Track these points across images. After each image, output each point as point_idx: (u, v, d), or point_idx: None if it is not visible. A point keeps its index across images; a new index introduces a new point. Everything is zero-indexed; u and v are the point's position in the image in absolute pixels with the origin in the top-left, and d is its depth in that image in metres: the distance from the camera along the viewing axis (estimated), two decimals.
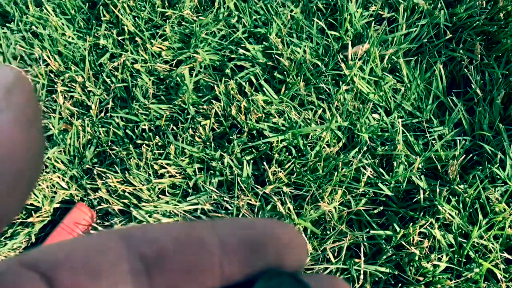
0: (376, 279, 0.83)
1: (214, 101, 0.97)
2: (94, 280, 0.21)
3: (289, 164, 0.91)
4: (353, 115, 0.96)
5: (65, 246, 0.21)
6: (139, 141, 0.97)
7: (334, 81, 1.00)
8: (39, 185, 0.94)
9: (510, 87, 0.96)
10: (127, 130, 0.99)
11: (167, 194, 0.93)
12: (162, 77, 1.03)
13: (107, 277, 0.21)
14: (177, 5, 1.09)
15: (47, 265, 0.20)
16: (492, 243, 0.83)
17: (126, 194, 0.92)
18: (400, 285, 0.83)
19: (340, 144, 0.94)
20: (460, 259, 0.83)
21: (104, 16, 1.09)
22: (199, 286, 0.22)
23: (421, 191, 0.87)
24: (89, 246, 0.21)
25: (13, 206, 0.17)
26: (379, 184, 0.89)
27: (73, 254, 0.21)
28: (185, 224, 0.23)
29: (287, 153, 0.94)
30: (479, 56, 1.00)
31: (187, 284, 0.22)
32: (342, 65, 0.98)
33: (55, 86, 1.03)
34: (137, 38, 1.06)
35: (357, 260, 0.84)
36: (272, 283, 0.23)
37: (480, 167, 0.90)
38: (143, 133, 0.98)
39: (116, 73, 1.03)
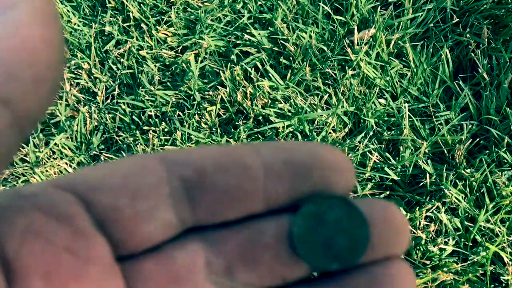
0: None
1: (219, 87, 0.97)
2: (133, 202, 0.20)
3: None
4: (359, 100, 0.95)
5: (102, 168, 0.20)
6: (145, 127, 0.97)
7: (340, 66, 0.99)
8: (46, 171, 0.94)
9: None
10: (133, 117, 0.99)
11: None
12: (167, 63, 1.03)
13: (146, 200, 0.20)
14: None
15: (84, 186, 0.19)
16: (499, 227, 0.83)
17: None
18: None
19: (346, 130, 0.94)
20: (467, 243, 0.84)
21: (110, 2, 1.09)
22: (241, 210, 0.22)
23: (428, 175, 0.87)
24: (128, 169, 0.21)
25: (35, 111, 0.15)
26: (386, 169, 0.89)
27: (112, 176, 0.20)
28: (227, 147, 0.22)
29: (293, 139, 0.94)
30: (486, 40, 0.99)
31: (230, 208, 0.21)
32: (348, 50, 0.98)
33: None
34: (142, 25, 1.06)
35: None
36: (322, 207, 0.22)
37: (487, 151, 0.89)
38: (150, 119, 0.98)
39: (122, 60, 1.03)
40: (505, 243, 0.82)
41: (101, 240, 0.20)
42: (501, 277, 0.81)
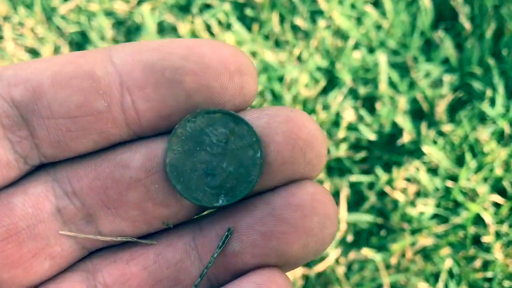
0: (360, 228, 0.79)
1: None
2: None
3: None
4: (333, 54, 0.88)
5: None
6: None
7: (312, 18, 0.91)
8: None
9: (501, 20, 0.89)
10: None
11: None
12: (121, 19, 0.94)
13: None
14: None
15: None
16: (481, 186, 0.78)
17: None
18: (382, 232, 0.78)
19: (320, 87, 0.86)
20: (447, 204, 0.79)
21: None
22: (96, 138, 0.16)
23: (406, 133, 0.81)
24: None
25: None
26: (361, 128, 0.83)
27: None
28: (72, 54, 0.16)
29: (262, 98, 0.86)
30: None
31: (80, 136, 0.16)
32: None
33: (2, 32, 0.93)
34: None
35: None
36: (201, 125, 0.17)
37: (469, 106, 0.84)
38: None
39: (70, 16, 0.93)
40: (486, 202, 0.77)
41: None
42: (482, 239, 0.76)
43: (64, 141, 0.16)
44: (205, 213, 0.19)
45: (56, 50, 0.93)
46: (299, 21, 0.89)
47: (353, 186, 0.80)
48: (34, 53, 0.93)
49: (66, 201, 0.17)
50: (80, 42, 0.93)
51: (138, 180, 0.17)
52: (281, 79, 0.87)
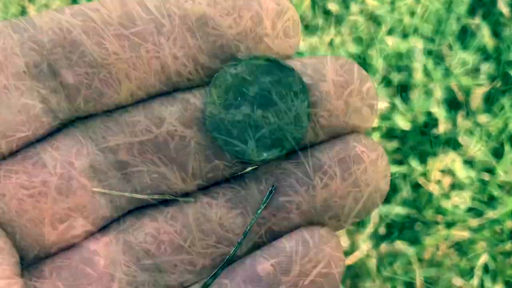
0: (392, 220, 0.77)
1: None
2: None
3: None
4: (366, 40, 0.85)
5: None
6: None
7: (344, 3, 0.88)
8: None
9: None
10: None
11: None
12: None
13: None
14: None
15: None
16: None
17: None
18: (416, 225, 0.76)
19: None
20: (483, 197, 0.76)
21: None
22: (133, 86, 0.15)
23: (441, 123, 0.79)
24: None
25: None
26: (394, 117, 0.80)
27: None
28: (105, 0, 0.15)
29: None
30: None
31: (114, 86, 0.14)
32: None
33: (27, 13, 0.92)
34: None
35: None
36: (243, 73, 0.15)
37: (508, 96, 0.81)
38: None
39: None
40: None
41: None
42: None
43: (98, 92, 0.15)
44: (248, 169, 0.18)
45: None
46: (331, 6, 0.87)
47: None
48: None
49: (100, 157, 0.16)
50: None
51: (175, 133, 0.16)
52: None
